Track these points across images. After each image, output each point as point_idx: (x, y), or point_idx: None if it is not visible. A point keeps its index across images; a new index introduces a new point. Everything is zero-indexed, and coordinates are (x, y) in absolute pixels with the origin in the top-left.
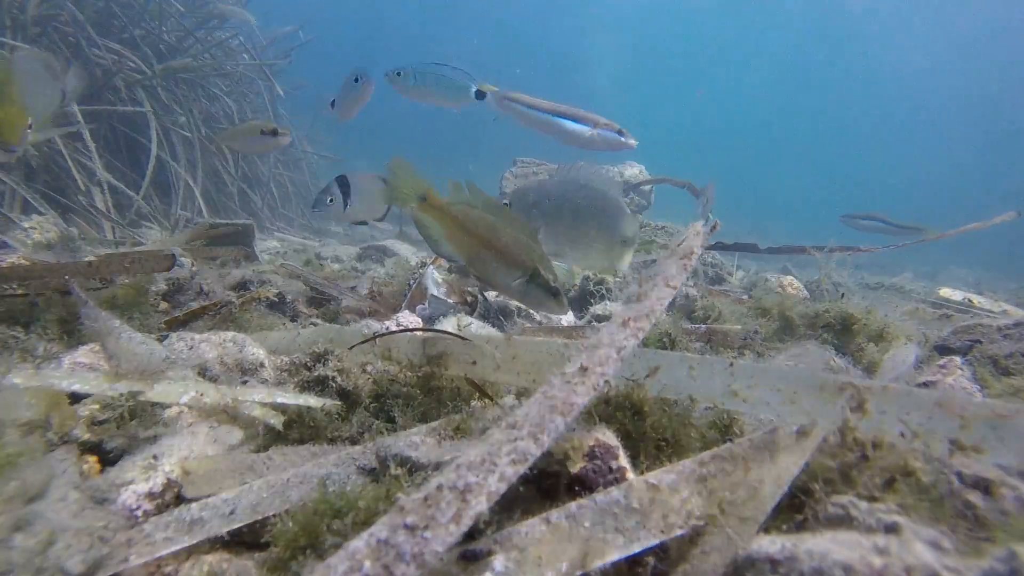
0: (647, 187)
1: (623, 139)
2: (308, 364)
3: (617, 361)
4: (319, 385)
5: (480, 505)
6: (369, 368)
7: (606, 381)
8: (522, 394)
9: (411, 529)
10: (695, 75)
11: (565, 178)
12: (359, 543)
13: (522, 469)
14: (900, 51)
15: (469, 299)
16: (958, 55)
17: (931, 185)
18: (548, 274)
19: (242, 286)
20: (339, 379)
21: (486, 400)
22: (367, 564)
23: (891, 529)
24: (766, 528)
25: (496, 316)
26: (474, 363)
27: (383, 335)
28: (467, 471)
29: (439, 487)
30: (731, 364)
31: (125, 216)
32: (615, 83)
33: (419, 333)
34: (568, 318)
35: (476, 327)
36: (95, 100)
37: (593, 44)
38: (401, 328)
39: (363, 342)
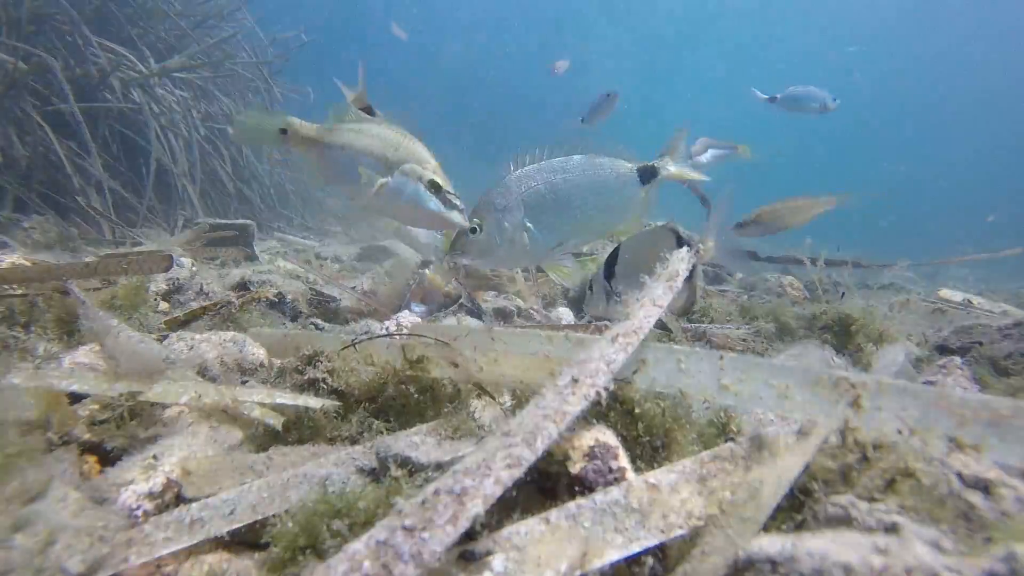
0: None
1: None
2: (299, 368)
3: (607, 373)
4: (311, 387)
5: (476, 507)
6: (360, 370)
7: (597, 392)
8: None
9: (409, 531)
10: (696, 72)
11: (530, 168)
12: (358, 544)
13: (517, 473)
14: (910, 43)
15: (454, 296)
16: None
17: (935, 184)
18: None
19: (242, 286)
20: (330, 380)
21: (487, 398)
22: (366, 564)
23: (891, 529)
24: (766, 528)
25: (492, 318)
26: (456, 365)
27: (362, 340)
28: (463, 476)
29: (436, 492)
30: (721, 358)
31: (127, 218)
32: (614, 82)
33: (397, 338)
34: (568, 317)
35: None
36: (92, 100)
37: (593, 43)
38: (378, 334)
39: (343, 348)
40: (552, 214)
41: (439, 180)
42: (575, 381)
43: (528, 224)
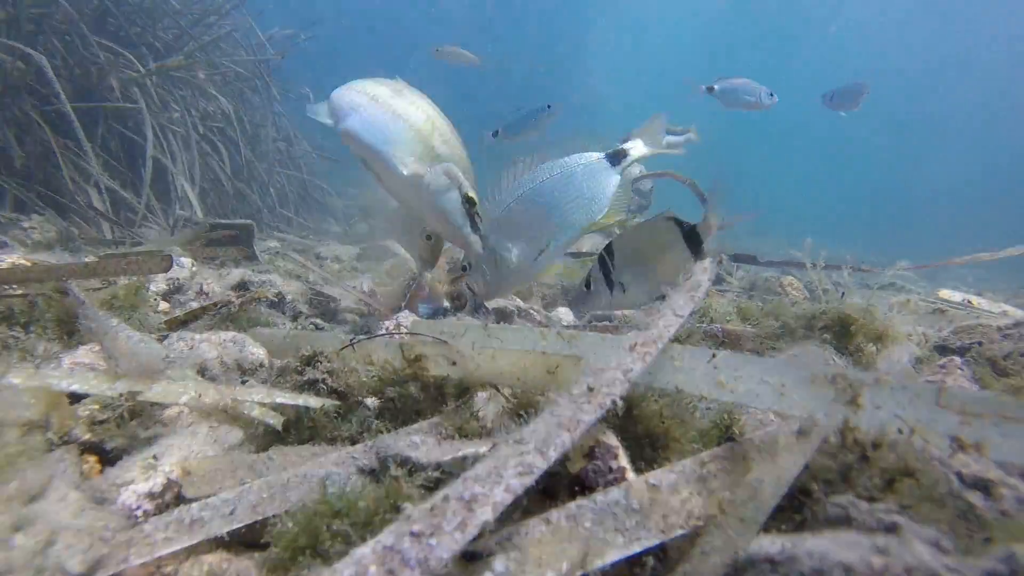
0: (647, 186)
1: None
2: (298, 368)
3: (624, 383)
4: (311, 388)
5: (486, 514)
6: (360, 369)
7: (613, 401)
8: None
9: (416, 536)
10: (698, 71)
11: (504, 192)
12: (365, 549)
13: (528, 481)
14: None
15: (462, 300)
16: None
17: (937, 187)
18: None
19: (242, 286)
20: (329, 381)
21: (490, 391)
22: (372, 569)
23: (891, 529)
24: (766, 528)
25: (492, 318)
26: (454, 364)
27: (361, 340)
28: (473, 483)
29: (445, 498)
30: (714, 355)
31: (126, 217)
32: (615, 80)
33: (396, 337)
34: (568, 318)
35: None
36: (90, 99)
37: (594, 41)
38: (376, 333)
39: (342, 348)
40: (527, 225)
41: (474, 196)
42: (591, 390)
43: (508, 245)
